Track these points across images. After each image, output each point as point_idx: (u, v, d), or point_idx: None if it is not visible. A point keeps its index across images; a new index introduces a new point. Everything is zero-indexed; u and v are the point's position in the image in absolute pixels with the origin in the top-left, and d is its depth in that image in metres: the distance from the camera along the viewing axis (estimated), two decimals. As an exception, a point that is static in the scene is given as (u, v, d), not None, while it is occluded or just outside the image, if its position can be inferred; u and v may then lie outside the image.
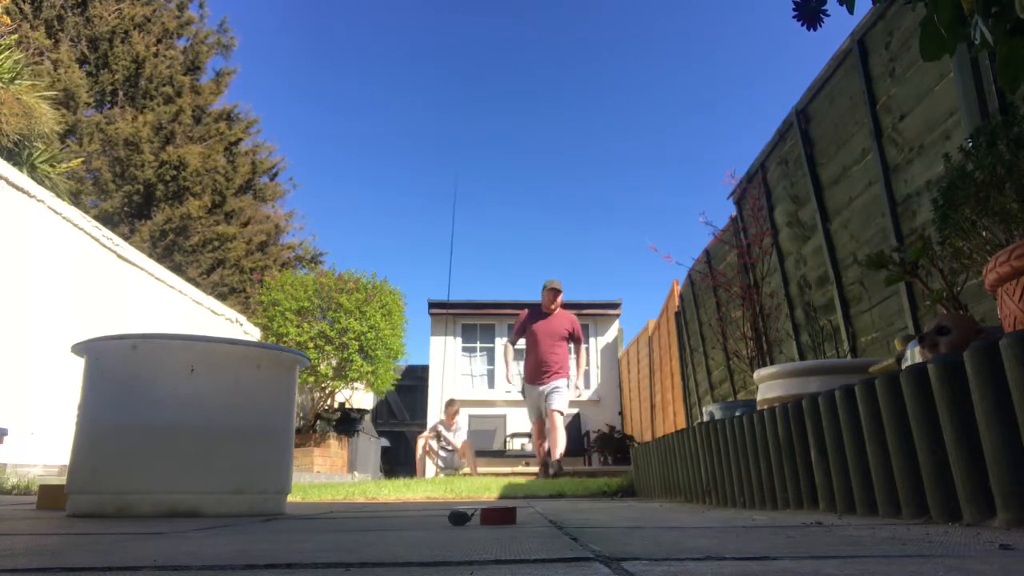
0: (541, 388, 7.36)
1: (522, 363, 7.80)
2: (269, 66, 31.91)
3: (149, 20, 15.58)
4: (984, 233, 1.94)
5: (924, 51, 1.62)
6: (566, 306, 7.66)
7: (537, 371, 7.42)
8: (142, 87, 15.29)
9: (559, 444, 7.10)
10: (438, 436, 9.28)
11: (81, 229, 6.66)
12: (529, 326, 7.54)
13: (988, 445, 1.41)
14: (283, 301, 9.37)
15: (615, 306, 13.89)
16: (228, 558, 0.93)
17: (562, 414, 7.39)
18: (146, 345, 2.32)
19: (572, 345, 7.58)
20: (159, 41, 15.77)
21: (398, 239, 34.90)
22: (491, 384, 14.80)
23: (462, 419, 9.45)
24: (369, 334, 9.44)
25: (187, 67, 16.45)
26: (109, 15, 14.90)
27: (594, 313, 13.85)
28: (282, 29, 31.49)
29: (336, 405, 10.50)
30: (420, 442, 9.51)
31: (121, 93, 15.10)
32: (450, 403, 9.52)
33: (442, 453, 9.27)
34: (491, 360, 14.95)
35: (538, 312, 7.58)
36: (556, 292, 7.47)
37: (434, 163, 34.91)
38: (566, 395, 7.42)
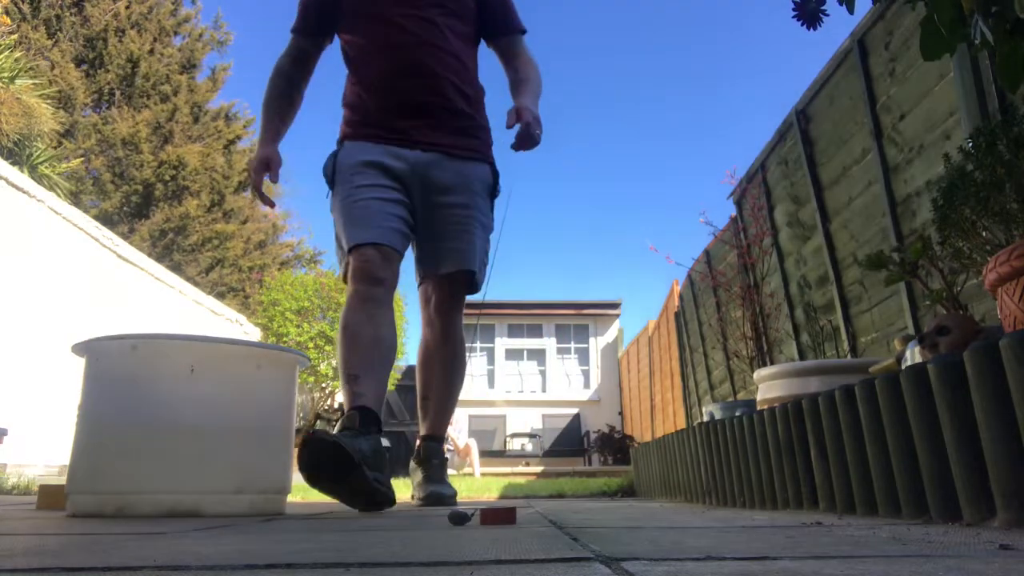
0: (409, 163, 2.44)
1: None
2: (264, 62, 31.87)
3: (146, 18, 15.58)
4: (984, 233, 1.94)
5: (924, 50, 1.62)
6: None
7: (397, 107, 2.45)
8: (139, 86, 15.29)
9: (451, 397, 2.75)
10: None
11: (81, 229, 6.66)
12: None
13: (988, 445, 1.41)
14: (283, 301, 9.37)
15: (615, 306, 13.88)
16: (228, 558, 0.93)
17: (462, 303, 2.74)
18: (146, 345, 2.32)
19: (495, 47, 2.81)
20: (155, 39, 15.77)
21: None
22: (491, 384, 14.81)
23: (462, 420, 9.43)
24: (369, 334, 9.43)
25: (183, 65, 16.45)
26: (106, 14, 14.90)
27: (594, 313, 13.84)
28: (277, 23, 31.48)
29: (336, 405, 10.49)
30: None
31: (118, 93, 15.10)
32: None
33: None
34: (491, 360, 14.96)
35: None
36: None
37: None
38: (488, 235, 2.70)
